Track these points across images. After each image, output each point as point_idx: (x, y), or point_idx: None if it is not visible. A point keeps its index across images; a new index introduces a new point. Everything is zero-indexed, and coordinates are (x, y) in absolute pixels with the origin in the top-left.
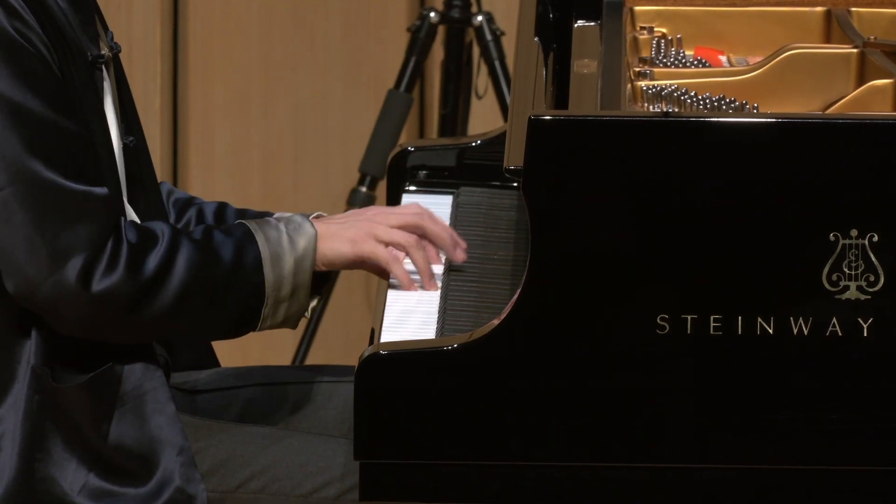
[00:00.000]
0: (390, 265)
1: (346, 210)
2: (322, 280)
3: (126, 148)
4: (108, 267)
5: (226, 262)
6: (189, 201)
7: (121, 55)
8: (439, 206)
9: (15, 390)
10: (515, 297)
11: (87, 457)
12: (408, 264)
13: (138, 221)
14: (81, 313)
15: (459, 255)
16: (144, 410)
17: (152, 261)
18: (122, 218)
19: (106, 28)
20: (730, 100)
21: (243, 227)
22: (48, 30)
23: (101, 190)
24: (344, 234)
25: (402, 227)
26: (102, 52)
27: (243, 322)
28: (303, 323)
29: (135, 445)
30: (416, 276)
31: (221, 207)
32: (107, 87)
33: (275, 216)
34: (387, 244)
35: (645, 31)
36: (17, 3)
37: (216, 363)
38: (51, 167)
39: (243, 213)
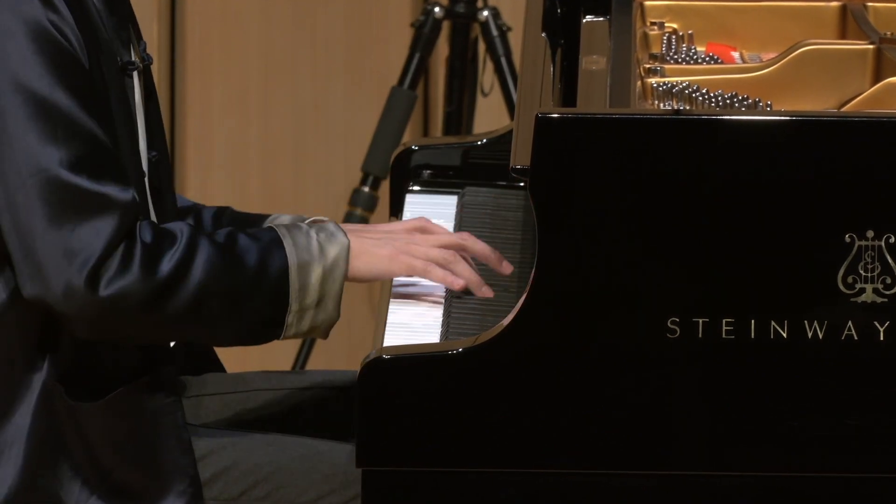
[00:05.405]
0: (428, 272)
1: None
2: None
3: (149, 162)
4: (121, 268)
5: (249, 266)
6: (189, 209)
7: None
8: (444, 206)
9: (26, 402)
10: (522, 300)
11: (94, 478)
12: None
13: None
14: (93, 316)
15: (507, 269)
16: (159, 436)
17: (168, 260)
18: (139, 219)
19: (139, 38)
20: (742, 97)
21: (271, 233)
22: (84, 27)
23: (122, 193)
24: (379, 252)
25: (444, 247)
26: (133, 60)
27: (267, 328)
28: None
29: (145, 471)
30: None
31: (220, 212)
32: (137, 96)
33: (304, 222)
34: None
35: (655, 27)
36: None
37: (221, 368)
38: (69, 165)
39: (243, 217)
